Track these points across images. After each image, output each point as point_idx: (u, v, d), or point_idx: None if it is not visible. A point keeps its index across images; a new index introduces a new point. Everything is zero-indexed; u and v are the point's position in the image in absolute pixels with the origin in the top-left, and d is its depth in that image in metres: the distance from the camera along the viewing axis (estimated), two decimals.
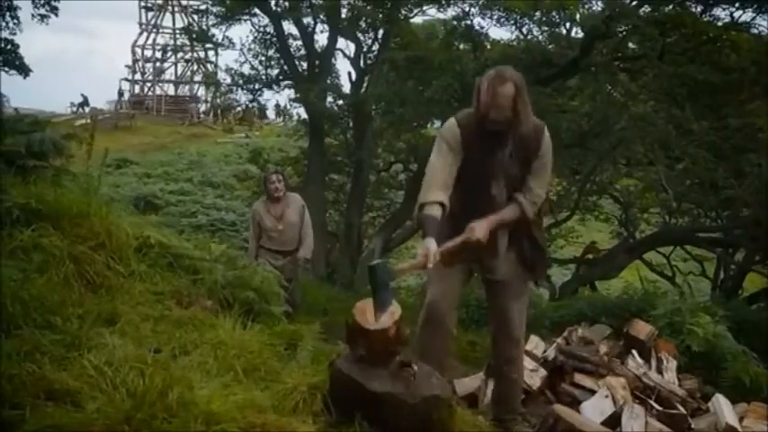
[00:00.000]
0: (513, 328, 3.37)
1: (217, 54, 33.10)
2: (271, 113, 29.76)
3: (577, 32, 11.54)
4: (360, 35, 12.39)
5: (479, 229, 3.02)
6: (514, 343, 3.41)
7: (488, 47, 12.53)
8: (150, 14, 39.58)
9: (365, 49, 12.55)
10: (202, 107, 37.77)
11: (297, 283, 6.23)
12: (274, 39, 13.01)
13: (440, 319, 3.28)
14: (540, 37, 12.22)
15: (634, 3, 10.58)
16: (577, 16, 11.26)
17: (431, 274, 3.34)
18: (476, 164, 3.18)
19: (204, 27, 15.42)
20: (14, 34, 13.89)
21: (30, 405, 2.04)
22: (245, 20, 13.23)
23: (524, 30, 12.23)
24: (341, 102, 12.70)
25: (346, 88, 12.90)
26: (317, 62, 12.66)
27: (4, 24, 13.52)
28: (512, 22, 11.98)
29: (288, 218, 6.08)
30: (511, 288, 3.33)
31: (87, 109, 34.85)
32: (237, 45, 13.99)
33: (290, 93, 13.66)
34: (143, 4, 38.87)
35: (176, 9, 38.77)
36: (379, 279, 2.61)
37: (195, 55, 37.84)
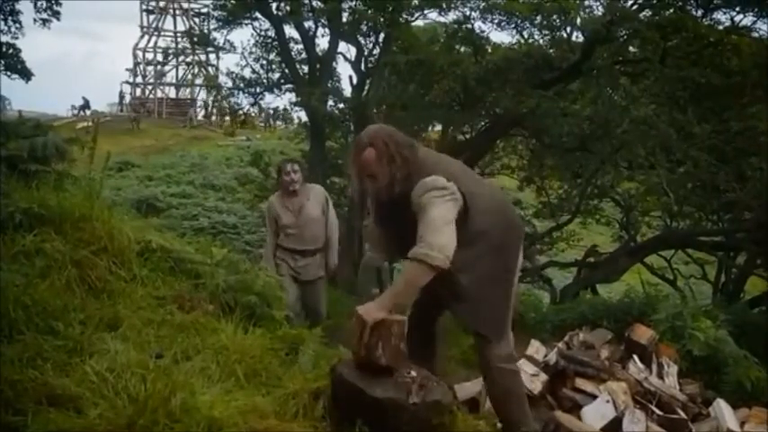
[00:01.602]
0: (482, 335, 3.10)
1: (218, 57, 33.23)
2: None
3: (578, 36, 11.56)
4: (361, 39, 12.38)
5: (367, 313, 2.54)
6: (483, 357, 3.12)
7: (489, 50, 12.54)
8: (152, 17, 39.71)
9: (366, 53, 12.55)
10: (202, 112, 37.84)
11: (323, 293, 5.59)
12: (275, 42, 13.01)
13: (418, 326, 3.17)
14: (542, 41, 12.23)
15: (635, 7, 10.59)
16: (578, 20, 11.27)
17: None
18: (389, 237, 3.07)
19: (205, 30, 15.46)
20: (16, 38, 13.93)
21: (32, 411, 2.05)
22: (247, 24, 13.24)
23: (525, 33, 12.25)
24: (342, 105, 12.71)
25: (347, 92, 12.92)
26: (318, 66, 12.66)
27: (5, 28, 13.54)
28: (512, 25, 11.99)
29: (308, 212, 5.32)
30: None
31: (89, 112, 34.93)
32: (239, 49, 14.03)
33: (291, 96, 13.66)
34: (144, 7, 39.02)
35: (178, 12, 38.90)
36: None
37: (196, 58, 37.91)
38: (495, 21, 11.97)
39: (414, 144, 2.96)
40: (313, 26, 12.49)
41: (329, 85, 12.87)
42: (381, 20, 11.46)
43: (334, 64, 13.15)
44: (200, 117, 37.28)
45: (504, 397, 3.16)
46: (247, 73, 13.47)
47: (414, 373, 2.48)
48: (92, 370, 2.27)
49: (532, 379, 4.24)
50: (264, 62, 13.45)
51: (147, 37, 39.77)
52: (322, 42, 12.82)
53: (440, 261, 2.64)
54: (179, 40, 37.31)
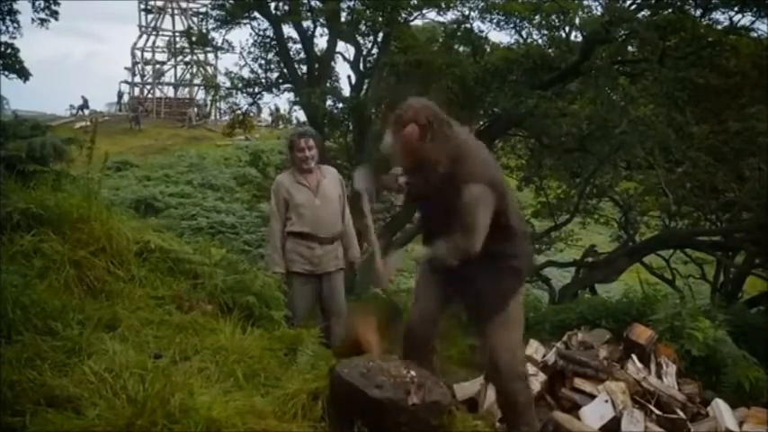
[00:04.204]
0: (496, 357, 3.05)
1: (216, 57, 33.15)
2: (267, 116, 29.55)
3: (577, 36, 11.57)
4: (360, 38, 12.37)
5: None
6: (497, 369, 3.08)
7: (488, 50, 12.54)
8: (150, 17, 39.63)
9: (365, 53, 12.53)
10: (204, 110, 37.72)
11: (342, 287, 4.75)
12: (274, 42, 12.99)
13: (417, 340, 3.18)
14: (540, 41, 12.23)
15: (633, 7, 10.60)
16: (577, 20, 11.27)
17: (418, 282, 3.35)
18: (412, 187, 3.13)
19: (204, 30, 15.42)
20: (14, 38, 13.87)
21: (30, 411, 2.05)
22: (245, 23, 13.23)
23: (524, 33, 12.24)
24: (341, 105, 12.70)
25: (346, 92, 12.92)
26: (316, 66, 12.65)
27: (3, 28, 13.49)
28: (511, 25, 11.98)
29: (326, 191, 4.58)
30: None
31: (87, 111, 34.91)
32: (237, 48, 13.99)
33: (290, 96, 13.63)
34: (143, 6, 38.94)
35: (176, 12, 38.83)
36: None
37: (195, 58, 37.83)
38: (494, 21, 11.96)
39: (451, 122, 2.95)
40: (312, 26, 12.47)
41: (328, 84, 12.86)
42: (380, 20, 11.45)
43: (332, 64, 13.15)
44: (198, 116, 37.22)
45: (515, 407, 3.13)
46: (246, 73, 13.45)
47: (413, 373, 2.48)
48: (90, 370, 2.27)
49: (531, 379, 4.23)
50: (263, 62, 13.42)
51: (145, 36, 39.74)
52: (321, 42, 12.82)
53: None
54: (177, 39, 37.26)
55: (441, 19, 12.81)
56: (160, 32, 39.70)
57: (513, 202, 3.09)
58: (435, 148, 2.80)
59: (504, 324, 3.02)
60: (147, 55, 40.12)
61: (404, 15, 12.06)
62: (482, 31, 12.41)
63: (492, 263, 2.93)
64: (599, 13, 10.96)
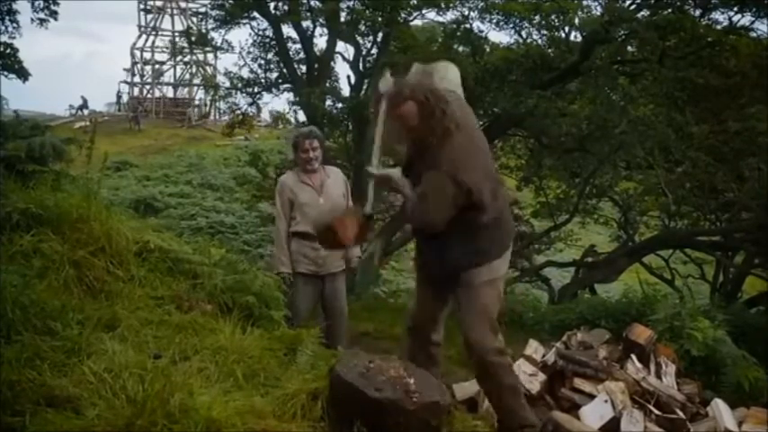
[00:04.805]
0: (467, 333, 3.09)
1: (216, 57, 33.09)
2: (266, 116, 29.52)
3: (576, 36, 11.57)
4: (359, 38, 12.37)
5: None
6: (471, 349, 3.10)
7: (488, 50, 12.54)
8: (149, 17, 39.59)
9: (365, 53, 12.54)
10: (204, 110, 37.67)
11: (344, 288, 4.75)
12: (273, 42, 12.99)
13: (417, 331, 3.30)
14: (540, 41, 12.22)
15: (633, 7, 10.60)
16: (576, 20, 11.27)
17: (417, 279, 3.44)
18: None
19: (203, 30, 15.42)
20: (14, 38, 13.86)
21: (30, 411, 2.05)
22: (245, 23, 13.23)
23: (524, 33, 12.23)
24: (340, 105, 12.70)
25: (346, 92, 12.91)
26: (316, 66, 12.66)
27: (3, 28, 13.48)
28: (511, 25, 11.98)
29: (330, 190, 4.56)
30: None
31: (86, 111, 34.90)
32: (236, 48, 13.99)
33: (289, 96, 13.62)
34: (142, 6, 38.89)
35: (175, 12, 38.80)
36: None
37: (194, 58, 37.78)
38: (494, 21, 11.95)
39: (447, 99, 2.95)
40: (311, 26, 12.47)
41: (327, 84, 12.85)
42: (380, 20, 11.45)
43: (332, 64, 13.14)
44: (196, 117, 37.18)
45: (499, 391, 3.17)
46: (245, 73, 13.45)
47: (412, 381, 2.46)
48: (90, 370, 2.26)
49: (531, 379, 4.24)
50: (262, 62, 13.42)
51: (144, 36, 39.69)
52: (320, 42, 12.82)
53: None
54: (176, 39, 37.19)
55: (440, 19, 12.81)
56: (159, 32, 39.65)
57: (499, 197, 3.10)
58: (432, 123, 2.85)
59: (474, 301, 3.08)
60: (147, 55, 40.09)
61: (403, 15, 12.05)
62: (482, 31, 12.41)
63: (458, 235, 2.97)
64: (599, 13, 10.96)
